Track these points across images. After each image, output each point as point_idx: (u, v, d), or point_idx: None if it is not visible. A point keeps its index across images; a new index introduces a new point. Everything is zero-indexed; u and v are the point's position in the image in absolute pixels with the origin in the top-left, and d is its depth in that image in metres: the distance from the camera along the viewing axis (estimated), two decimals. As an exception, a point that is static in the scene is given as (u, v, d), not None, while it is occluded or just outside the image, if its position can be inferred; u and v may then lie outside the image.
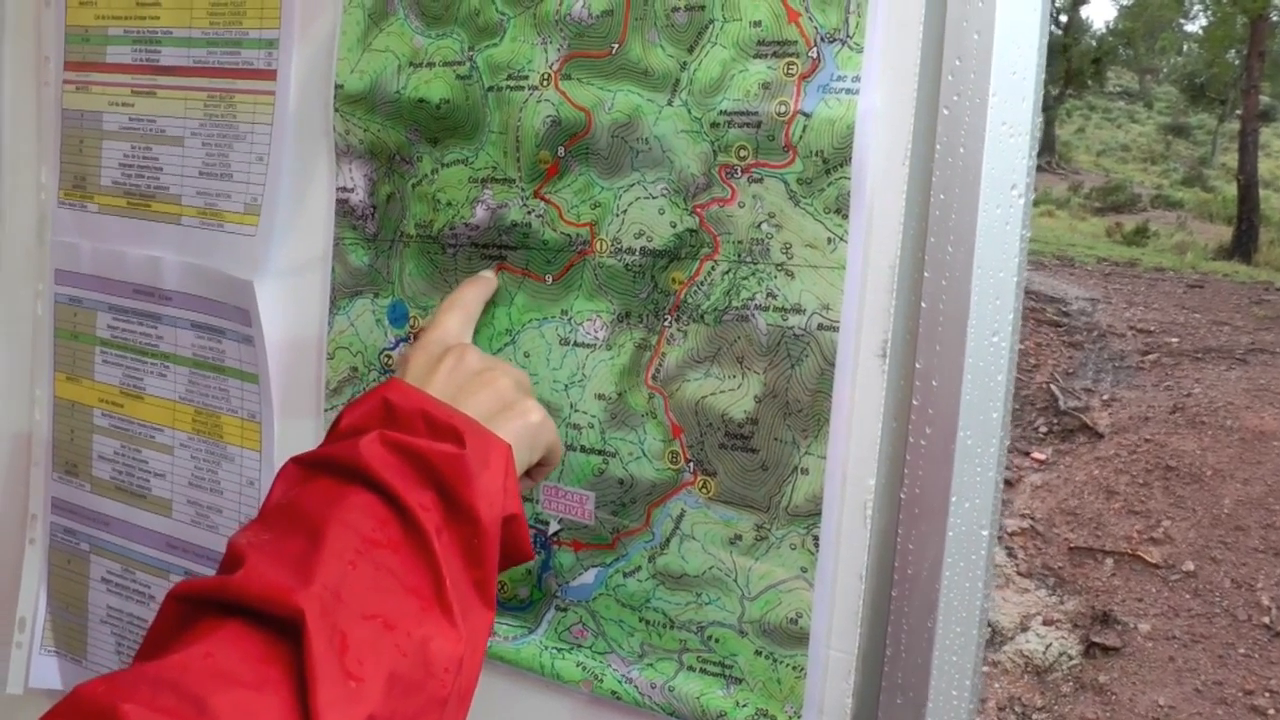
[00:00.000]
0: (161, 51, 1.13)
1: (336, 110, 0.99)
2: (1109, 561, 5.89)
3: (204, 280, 1.09)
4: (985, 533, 0.76)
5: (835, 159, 0.78)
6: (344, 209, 1.01)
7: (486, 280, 0.92)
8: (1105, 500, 6.49)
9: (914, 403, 0.77)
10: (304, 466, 0.72)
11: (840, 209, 0.78)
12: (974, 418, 0.75)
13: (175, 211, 1.12)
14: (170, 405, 1.15)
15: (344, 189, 1.00)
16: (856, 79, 0.77)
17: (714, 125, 0.82)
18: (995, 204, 0.74)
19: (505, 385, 0.81)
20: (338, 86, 0.99)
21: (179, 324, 1.12)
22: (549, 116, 0.88)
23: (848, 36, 0.77)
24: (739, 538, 0.84)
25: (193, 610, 0.62)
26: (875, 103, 0.77)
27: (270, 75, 1.04)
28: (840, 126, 0.77)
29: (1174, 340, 8.88)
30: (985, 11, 0.74)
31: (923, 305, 0.77)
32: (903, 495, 0.78)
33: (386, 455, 0.69)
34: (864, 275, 0.78)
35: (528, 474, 0.84)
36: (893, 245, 0.77)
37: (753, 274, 0.82)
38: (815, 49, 0.78)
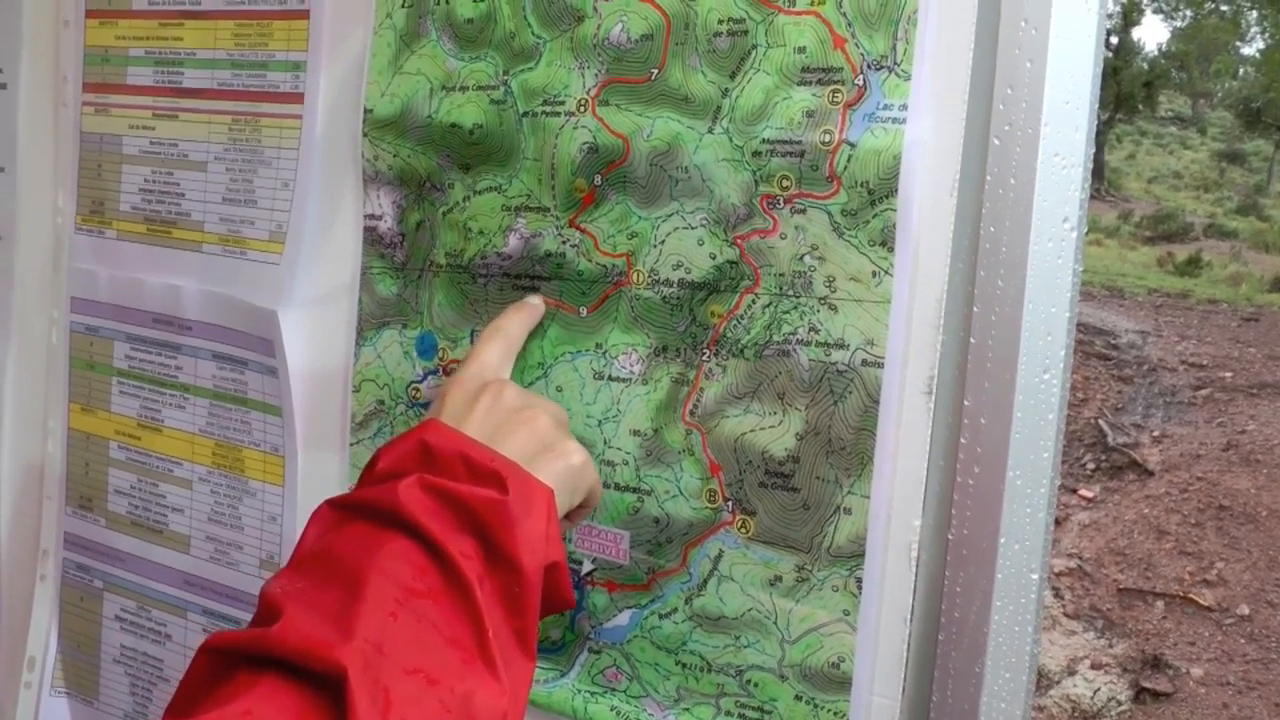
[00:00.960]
0: (184, 73, 1.15)
1: (365, 135, 1.01)
2: (1160, 604, 5.85)
3: (226, 309, 1.11)
4: (1035, 576, 0.77)
5: (881, 190, 0.79)
6: (372, 237, 1.03)
7: (532, 307, 0.93)
8: (1156, 540, 6.46)
9: (961, 441, 0.78)
10: (339, 510, 0.73)
11: (886, 242, 0.79)
12: (1024, 457, 0.76)
13: (197, 239, 1.14)
14: (189, 438, 1.16)
15: (372, 216, 1.02)
16: (904, 107, 0.79)
17: (756, 154, 0.83)
18: (1047, 237, 0.75)
19: (545, 425, 0.81)
20: (367, 111, 1.01)
21: (199, 354, 1.14)
22: (585, 143, 0.90)
23: (895, 64, 0.79)
24: (779, 579, 0.85)
25: (227, 663, 0.62)
26: (923, 132, 0.78)
27: (297, 99, 1.06)
28: (886, 157, 0.79)
29: (1228, 375, 8.85)
30: (1038, 39, 0.75)
31: (971, 341, 0.78)
32: (950, 536, 0.79)
33: (426, 500, 0.70)
34: (910, 310, 0.80)
35: (566, 516, 0.84)
36: (940, 279, 0.78)
37: (794, 308, 0.83)
38: (861, 76, 0.80)
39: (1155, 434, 7.77)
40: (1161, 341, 9.91)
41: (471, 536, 0.70)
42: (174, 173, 1.16)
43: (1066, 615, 5.72)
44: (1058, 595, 5.90)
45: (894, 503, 0.81)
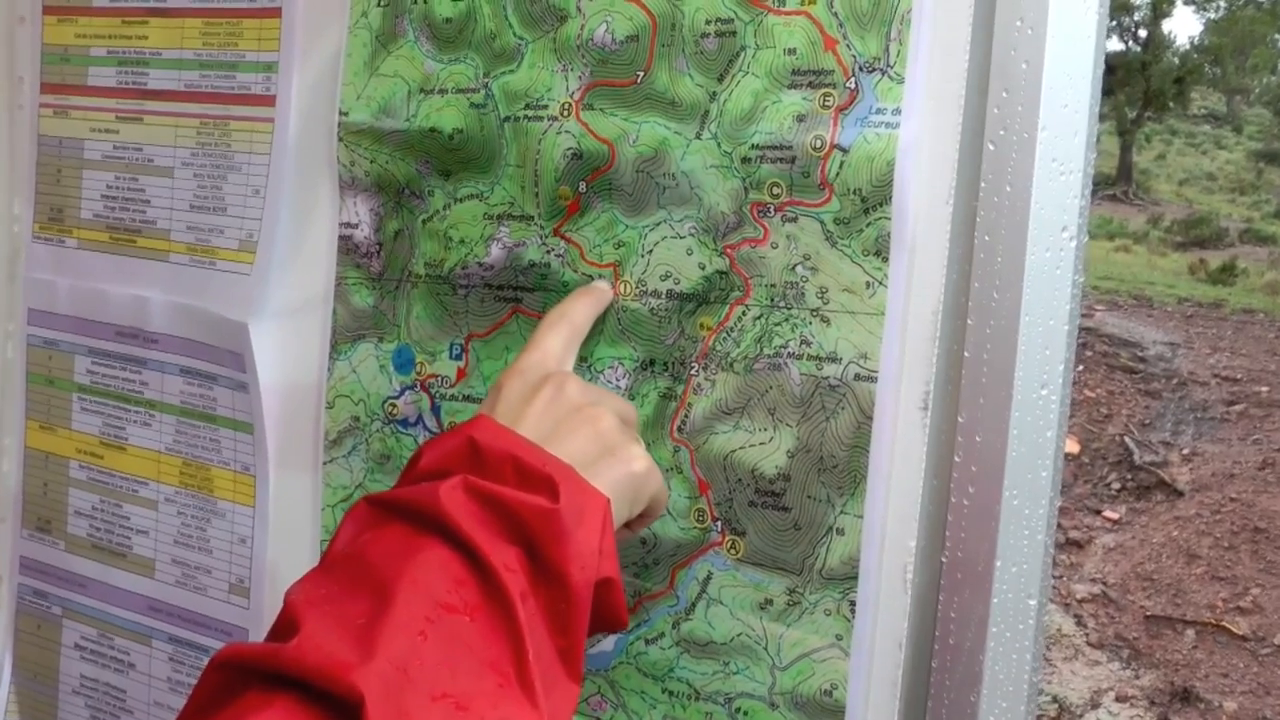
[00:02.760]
0: (149, 74, 1.17)
1: (341, 140, 1.03)
2: (1190, 632, 5.87)
3: (194, 322, 1.12)
4: (1033, 601, 0.79)
5: (874, 197, 0.81)
6: (347, 246, 1.05)
7: (600, 291, 0.91)
8: (1186, 565, 6.48)
9: (956, 459, 0.80)
10: (376, 508, 0.72)
11: (880, 251, 0.82)
12: (1021, 476, 0.78)
13: (163, 248, 1.15)
14: (155, 457, 1.18)
15: (348, 225, 1.05)
16: (897, 111, 0.81)
17: (745, 160, 0.86)
18: (1044, 247, 0.77)
19: (608, 426, 0.79)
20: (342, 114, 1.03)
21: (166, 369, 1.16)
22: (569, 149, 0.92)
23: (888, 66, 0.81)
24: (769, 602, 0.87)
25: (239, 679, 0.61)
26: (917, 137, 0.80)
27: (269, 101, 1.08)
28: (880, 163, 0.81)
29: (1264, 389, 8.86)
30: (1035, 40, 0.77)
31: (966, 355, 0.79)
32: (944, 559, 0.81)
33: (470, 504, 0.69)
34: (905, 322, 0.81)
35: (627, 525, 0.83)
36: (935, 290, 0.80)
37: (786, 320, 0.85)
38: (853, 79, 0.82)
39: (1185, 452, 7.79)
40: (1192, 354, 9.92)
41: (517, 546, 0.68)
42: (139, 178, 1.17)
43: (1090, 644, 5.74)
44: (1080, 623, 5.91)
45: (888, 523, 0.82)
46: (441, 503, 0.68)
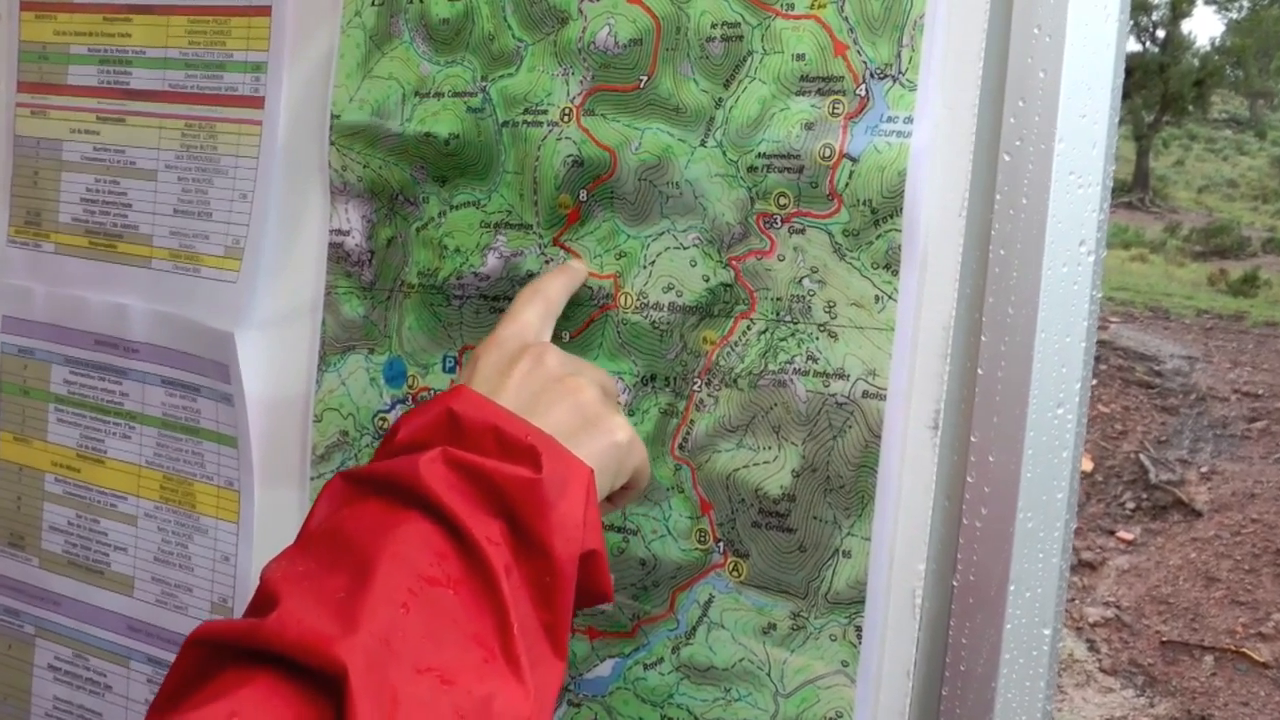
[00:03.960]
0: (132, 73, 1.17)
1: (332, 143, 1.04)
2: (1208, 659, 5.87)
3: (177, 331, 1.13)
4: (1048, 631, 0.80)
5: (885, 209, 0.82)
6: (338, 254, 1.05)
7: (574, 270, 0.93)
8: (1204, 588, 6.48)
9: (968, 480, 0.81)
10: (353, 484, 0.72)
11: (890, 264, 0.82)
12: (1035, 498, 0.79)
13: (145, 253, 1.16)
14: (135, 470, 1.18)
15: (339, 231, 1.05)
16: (909, 120, 0.81)
17: (751, 169, 0.86)
18: (1061, 261, 0.78)
19: (590, 396, 0.80)
20: (334, 117, 1.04)
21: (147, 379, 1.16)
22: (570, 156, 0.93)
23: (900, 73, 0.82)
24: (773, 627, 0.87)
25: (216, 657, 0.61)
26: (930, 146, 0.81)
27: (257, 103, 1.09)
28: (890, 173, 0.82)
29: (1286, 406, 8.87)
30: (1052, 47, 0.78)
31: (979, 372, 0.80)
32: (955, 583, 0.82)
33: (451, 476, 0.69)
34: (915, 338, 0.82)
35: (610, 499, 0.85)
36: (947, 305, 0.81)
37: (792, 334, 0.86)
38: (864, 86, 0.83)
39: (1204, 470, 7.79)
40: (1211, 368, 9.92)
41: (499, 519, 0.69)
42: (120, 181, 1.18)
43: (1103, 670, 5.74)
44: (1093, 648, 5.91)
45: (896, 546, 0.83)
46: (421, 475, 0.68)
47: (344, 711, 0.56)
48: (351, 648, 0.58)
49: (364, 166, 1.03)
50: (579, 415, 0.79)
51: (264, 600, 0.63)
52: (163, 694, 0.62)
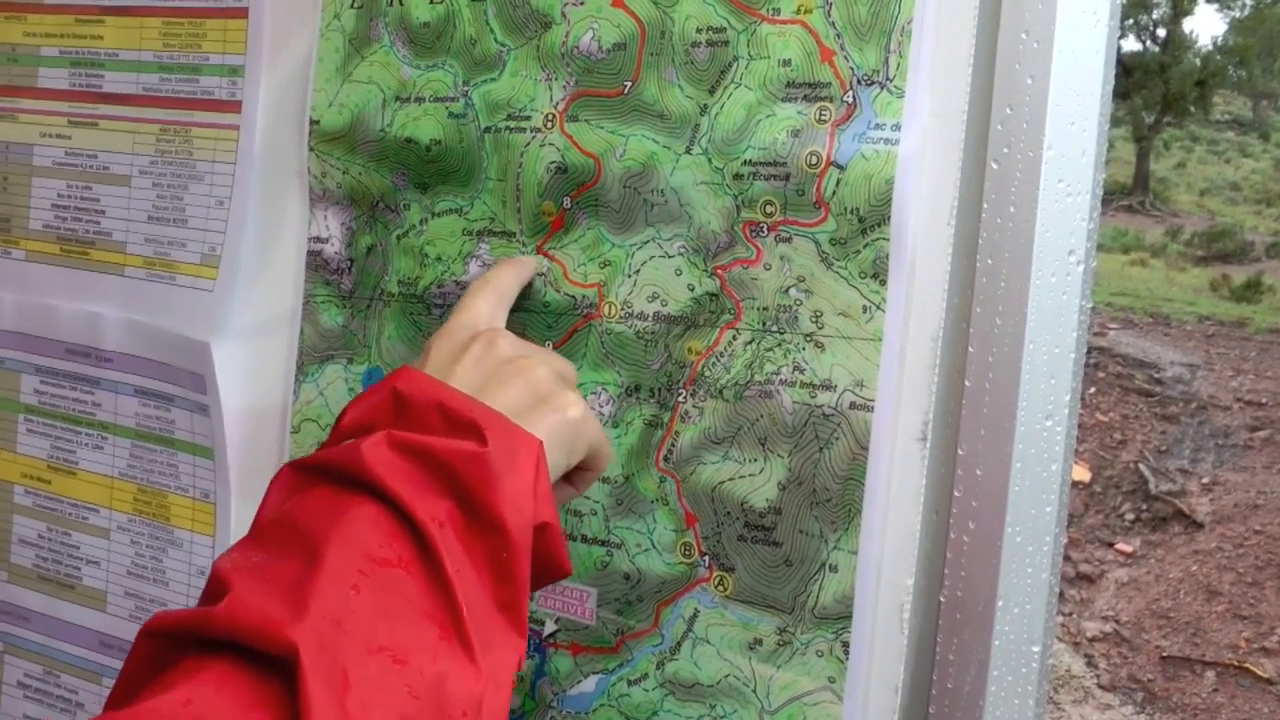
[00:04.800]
0: (105, 76, 1.18)
1: (311, 149, 1.05)
2: (1210, 674, 5.88)
3: (151, 340, 1.13)
4: (1036, 648, 0.80)
5: (872, 217, 0.83)
6: (316, 262, 1.06)
7: (525, 263, 0.95)
8: (1205, 602, 6.50)
9: (956, 494, 0.82)
10: (301, 472, 0.73)
11: (878, 274, 0.83)
12: (1024, 512, 0.80)
13: (119, 261, 1.16)
14: (108, 482, 1.19)
15: (317, 239, 1.06)
16: (896, 127, 0.82)
17: (737, 177, 0.87)
18: (1050, 271, 0.79)
19: (541, 375, 0.81)
20: (313, 122, 1.05)
21: (120, 389, 1.17)
22: (553, 163, 0.94)
23: (887, 79, 0.83)
24: (759, 642, 0.88)
25: (170, 647, 0.62)
26: (917, 154, 0.82)
27: (234, 107, 1.09)
28: (878, 181, 0.83)
29: (1290, 415, 8.89)
30: (1041, 54, 0.79)
31: (967, 384, 0.81)
32: (943, 598, 0.82)
33: (394, 459, 0.70)
34: (903, 349, 0.83)
35: (569, 481, 0.86)
36: (935, 315, 0.82)
37: (778, 345, 0.87)
38: (851, 92, 0.84)
39: (1205, 481, 7.82)
40: (1213, 376, 9.95)
41: (448, 497, 0.70)
42: (93, 187, 1.18)
43: (1101, 687, 5.75)
44: (1091, 664, 5.93)
45: (884, 560, 0.84)
46: (365, 459, 0.69)
47: (296, 693, 0.57)
48: (303, 630, 0.59)
49: (343, 173, 1.04)
50: (530, 393, 0.80)
51: (215, 589, 0.64)
52: (118, 687, 0.64)
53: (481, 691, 0.65)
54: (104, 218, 1.18)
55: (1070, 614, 6.39)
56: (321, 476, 0.72)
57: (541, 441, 0.75)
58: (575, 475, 0.86)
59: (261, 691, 0.59)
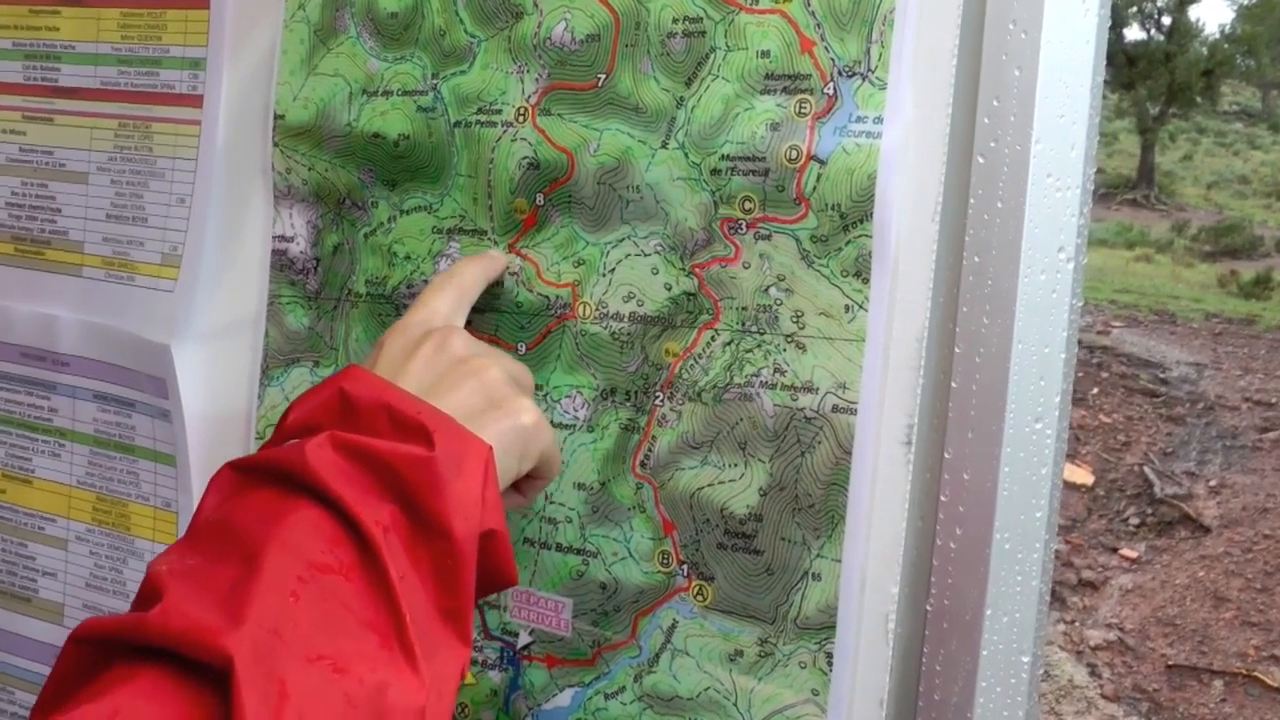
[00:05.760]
0: (61, 70, 1.17)
1: (275, 144, 1.05)
2: (1218, 683, 5.89)
3: (110, 343, 1.13)
4: (1026, 659, 0.81)
5: (854, 214, 0.83)
6: (281, 261, 1.06)
7: (492, 259, 0.95)
8: (1213, 608, 6.50)
9: (942, 499, 0.82)
10: (241, 473, 0.73)
11: (860, 272, 0.83)
12: (1013, 517, 0.80)
13: (76, 261, 1.16)
14: (65, 491, 1.19)
15: (282, 238, 1.06)
16: (879, 120, 0.82)
17: (715, 172, 0.88)
18: (1039, 269, 0.79)
19: (494, 378, 0.82)
20: (277, 116, 1.05)
21: (78, 394, 1.17)
22: (526, 158, 0.94)
23: (869, 70, 0.83)
24: (740, 654, 0.88)
25: (100, 654, 0.62)
26: (901, 148, 0.82)
27: (195, 101, 1.09)
28: (860, 176, 0.83)
29: (1301, 415, 8.91)
30: (1029, 44, 0.79)
31: (953, 385, 0.81)
32: (929, 607, 0.83)
33: (339, 461, 0.70)
34: (887, 349, 0.83)
35: (517, 489, 0.87)
36: (920, 315, 0.82)
37: (758, 346, 0.87)
38: (832, 84, 0.84)
39: (1212, 483, 7.83)
40: (1221, 375, 9.97)
41: (392, 502, 0.70)
42: (48, 184, 1.18)
43: (1104, 697, 5.75)
44: (1094, 673, 5.93)
45: (868, 568, 0.84)
46: (309, 461, 0.69)
47: (230, 704, 0.57)
48: (238, 639, 0.59)
49: (309, 169, 1.04)
50: (482, 396, 0.80)
51: (149, 594, 0.64)
52: (44, 695, 0.63)
53: (424, 701, 0.65)
54: (60, 216, 1.17)
55: (1073, 622, 6.40)
56: (262, 477, 0.71)
57: (491, 447, 0.75)
58: (524, 483, 0.86)
59: (193, 702, 0.59)
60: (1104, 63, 0.81)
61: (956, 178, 0.81)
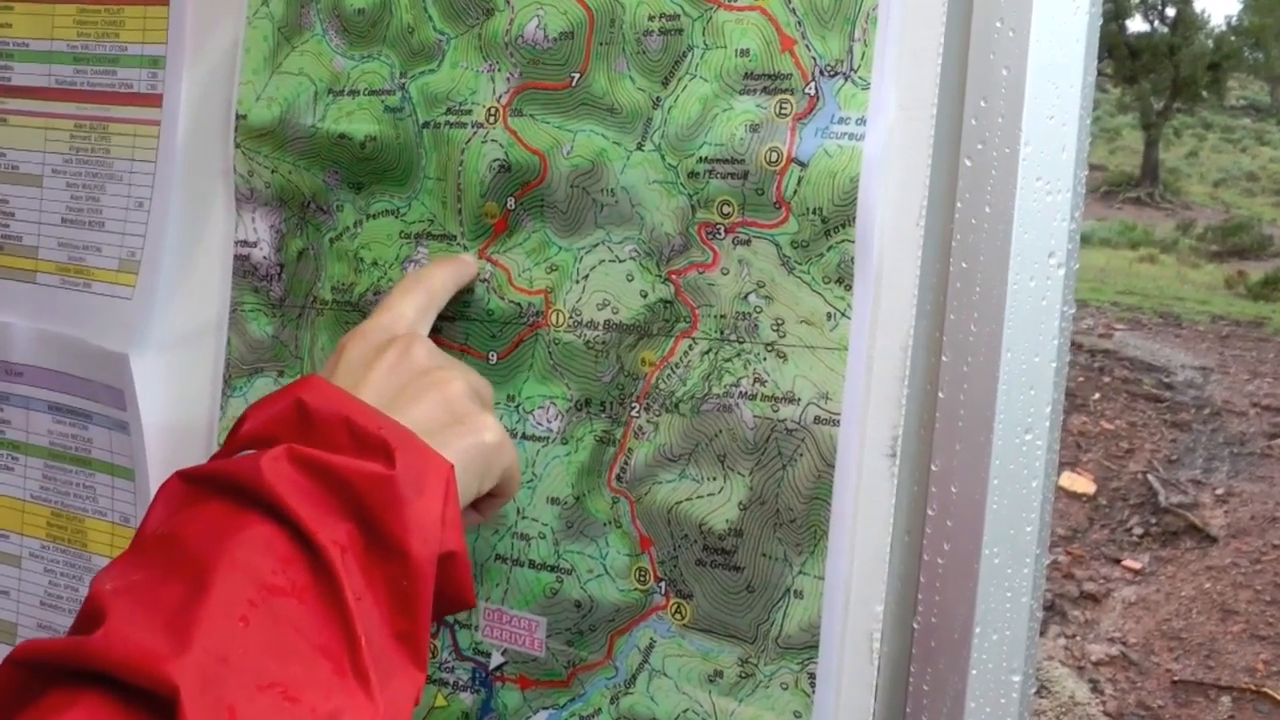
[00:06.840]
0: (14, 68, 1.17)
1: (237, 146, 1.05)
2: (1225, 700, 5.90)
3: (65, 352, 1.13)
4: (1017, 678, 0.81)
5: (836, 218, 0.83)
6: (244, 267, 1.06)
7: (463, 263, 0.95)
8: (1220, 621, 6.51)
9: (929, 513, 0.82)
10: (192, 484, 0.72)
11: (842, 278, 0.83)
12: (1003, 532, 0.80)
13: (30, 267, 1.16)
14: (19, 505, 1.19)
15: (245, 243, 1.06)
16: (861, 121, 0.83)
17: (692, 175, 0.88)
18: (1029, 275, 0.79)
19: (457, 391, 0.82)
20: (239, 117, 1.05)
21: (32, 405, 1.17)
22: (496, 160, 0.94)
23: (852, 70, 0.83)
24: (719, 674, 0.88)
25: (38, 678, 0.61)
26: (884, 150, 0.82)
27: (154, 101, 1.09)
28: (842, 179, 0.83)
29: (1311, 421, 8.92)
30: (1016, 43, 0.79)
31: (940, 395, 0.81)
32: (916, 625, 0.83)
33: (296, 476, 0.69)
34: (870, 358, 0.83)
35: (476, 507, 0.87)
36: (905, 323, 0.82)
37: (738, 355, 0.87)
38: (813, 84, 0.84)
39: (1219, 492, 7.84)
40: (1228, 380, 9.99)
41: (349, 520, 0.69)
42: (1, 187, 1.18)
43: (1107, 714, 5.76)
44: (1096, 689, 5.94)
45: (852, 585, 0.84)
46: (264, 475, 0.68)
47: None
48: (184, 666, 0.59)
49: (272, 171, 1.04)
50: (445, 410, 0.81)
51: (91, 614, 0.63)
52: None
53: None
54: (13, 220, 1.17)
55: (1074, 636, 6.40)
56: (214, 489, 0.71)
57: (453, 466, 0.75)
58: (483, 502, 0.86)
59: None
60: (1095, 62, 0.81)
61: (942, 181, 0.82)
